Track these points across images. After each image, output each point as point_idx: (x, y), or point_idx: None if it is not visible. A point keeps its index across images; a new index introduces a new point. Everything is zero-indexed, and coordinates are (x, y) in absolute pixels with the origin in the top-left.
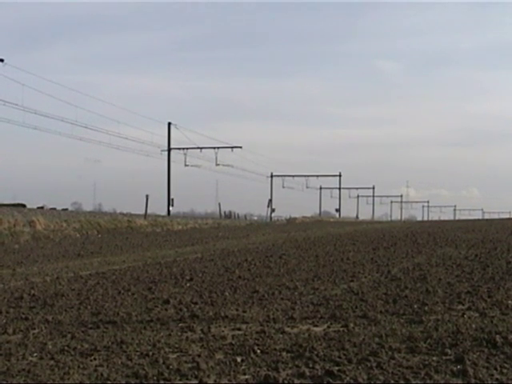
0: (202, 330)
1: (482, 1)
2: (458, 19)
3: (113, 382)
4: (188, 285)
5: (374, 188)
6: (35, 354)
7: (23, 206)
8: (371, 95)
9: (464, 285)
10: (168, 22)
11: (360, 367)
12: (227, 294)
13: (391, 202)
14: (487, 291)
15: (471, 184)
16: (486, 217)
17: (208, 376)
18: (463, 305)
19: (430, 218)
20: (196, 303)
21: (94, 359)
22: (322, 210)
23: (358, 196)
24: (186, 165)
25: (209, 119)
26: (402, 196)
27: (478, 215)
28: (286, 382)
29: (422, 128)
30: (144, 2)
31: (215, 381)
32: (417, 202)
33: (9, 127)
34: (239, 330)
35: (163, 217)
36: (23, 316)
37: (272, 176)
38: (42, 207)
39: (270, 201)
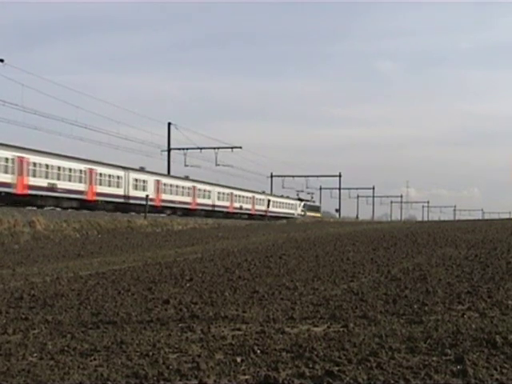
0: (202, 330)
1: (482, 1)
2: (457, 19)
3: (113, 382)
4: (188, 285)
5: (373, 188)
6: (35, 354)
7: None
8: (371, 95)
9: (464, 285)
10: (168, 22)
11: (360, 367)
12: (227, 294)
13: (391, 202)
14: (487, 291)
15: (471, 184)
16: (486, 217)
17: (208, 376)
18: (463, 305)
19: (429, 218)
20: (196, 303)
21: (94, 359)
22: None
23: (357, 196)
24: (185, 165)
25: (209, 119)
26: (401, 196)
27: (477, 215)
28: (286, 382)
29: (421, 128)
30: (144, 2)
31: (215, 381)
32: (417, 202)
33: (9, 127)
34: (239, 330)
35: (163, 217)
36: (23, 316)
37: (272, 176)
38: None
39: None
